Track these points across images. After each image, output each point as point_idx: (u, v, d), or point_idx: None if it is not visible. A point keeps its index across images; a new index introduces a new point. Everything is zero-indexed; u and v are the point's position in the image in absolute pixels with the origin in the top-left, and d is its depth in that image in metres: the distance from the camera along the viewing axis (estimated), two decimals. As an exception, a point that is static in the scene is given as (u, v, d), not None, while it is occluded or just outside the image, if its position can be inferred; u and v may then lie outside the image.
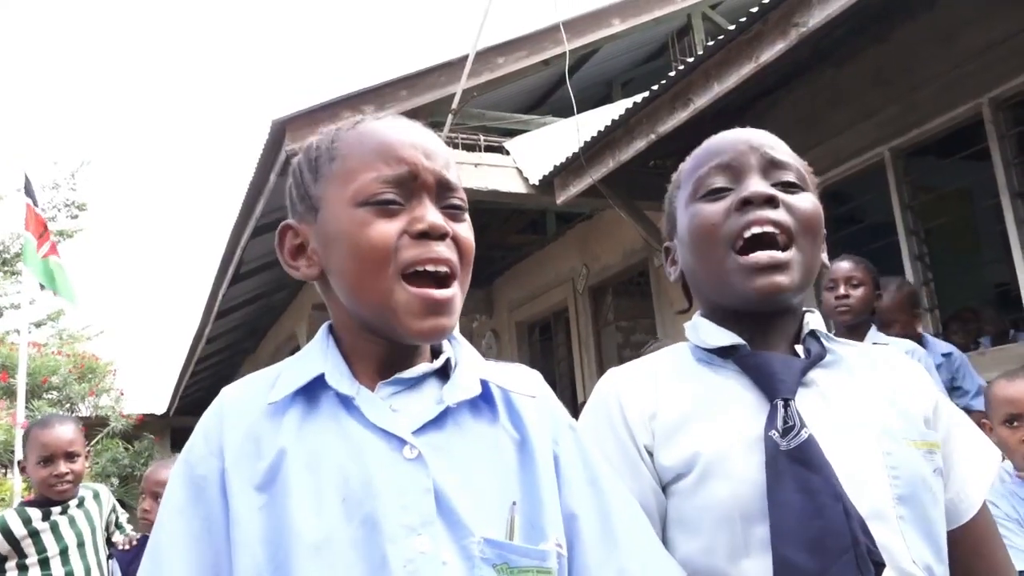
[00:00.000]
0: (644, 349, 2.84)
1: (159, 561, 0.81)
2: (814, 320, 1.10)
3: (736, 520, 0.94)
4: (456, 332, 0.97)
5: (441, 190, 0.91)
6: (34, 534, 2.63)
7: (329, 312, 0.97)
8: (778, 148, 1.09)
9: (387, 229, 0.86)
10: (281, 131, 5.49)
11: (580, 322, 8.55)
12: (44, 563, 2.63)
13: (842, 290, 2.80)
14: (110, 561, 2.72)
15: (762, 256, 1.01)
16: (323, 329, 0.95)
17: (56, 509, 2.69)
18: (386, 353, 0.91)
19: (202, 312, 9.96)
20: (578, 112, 6.01)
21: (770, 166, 1.06)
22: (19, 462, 2.86)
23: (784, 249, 1.02)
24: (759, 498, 0.93)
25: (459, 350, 0.96)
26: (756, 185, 1.04)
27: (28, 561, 2.62)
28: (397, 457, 0.83)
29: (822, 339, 1.07)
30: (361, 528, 0.79)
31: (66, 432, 2.71)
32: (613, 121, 5.24)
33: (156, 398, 15.69)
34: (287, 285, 10.03)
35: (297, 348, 0.98)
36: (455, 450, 0.86)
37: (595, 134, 5.40)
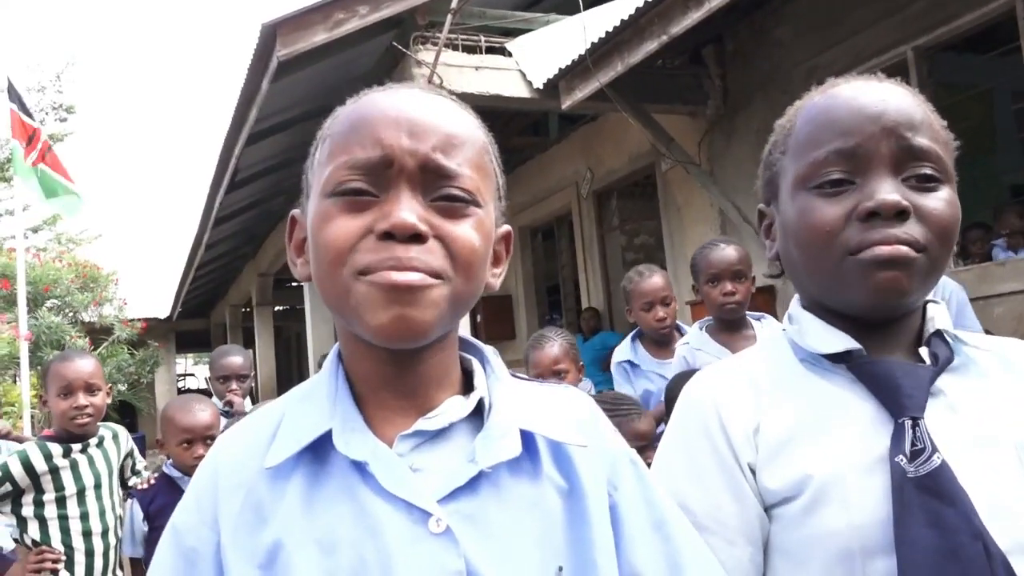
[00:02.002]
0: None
1: None
2: (939, 316, 0.92)
3: (855, 554, 0.81)
4: (490, 353, 0.83)
5: (429, 178, 0.73)
6: (54, 471, 2.60)
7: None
8: (918, 127, 0.86)
9: (347, 227, 0.71)
10: (272, 35, 5.21)
11: (584, 226, 8.43)
12: (61, 501, 2.61)
13: (660, 313, 2.89)
14: (130, 501, 2.70)
15: (886, 251, 0.83)
16: (331, 357, 0.81)
17: (77, 446, 2.65)
18: (391, 373, 0.76)
19: (200, 219, 9.82)
20: (584, 9, 5.69)
21: (905, 156, 0.86)
22: (41, 395, 2.81)
23: (911, 248, 0.84)
24: (881, 530, 0.80)
25: (494, 385, 0.80)
26: (885, 191, 0.84)
27: (45, 498, 2.59)
28: (421, 533, 0.69)
29: (949, 338, 0.91)
30: None
31: (86, 365, 2.67)
32: (622, 21, 4.96)
33: (158, 303, 15.72)
34: (284, 191, 9.86)
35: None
36: (491, 518, 0.73)
37: (603, 35, 5.12)
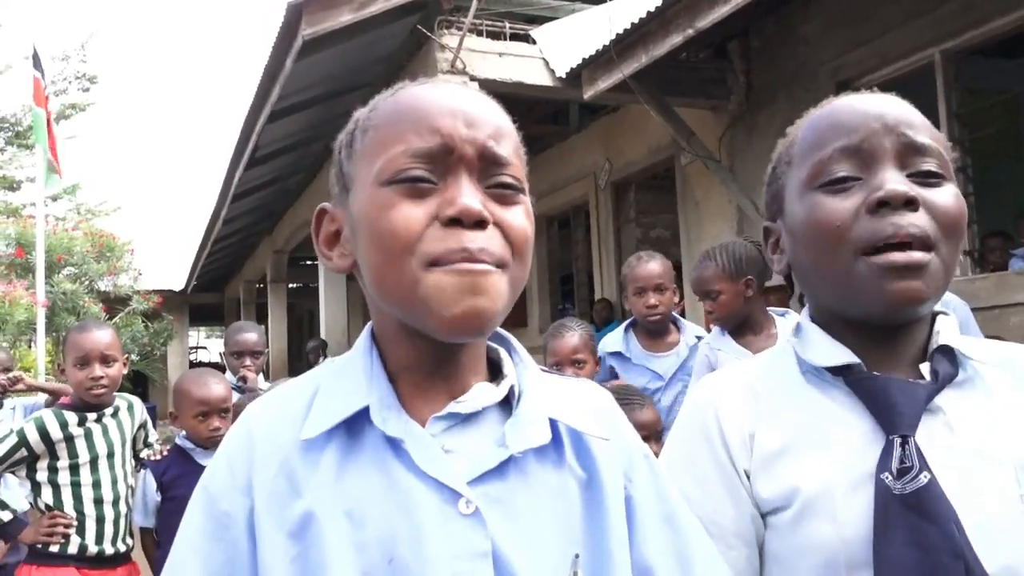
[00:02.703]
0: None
1: None
2: (946, 330, 0.91)
3: (840, 567, 0.82)
4: (519, 347, 0.85)
5: (486, 166, 0.75)
6: (69, 439, 2.63)
7: (370, 312, 0.83)
8: (918, 126, 0.88)
9: (412, 213, 0.72)
10: (297, 13, 5.22)
11: (600, 217, 8.41)
12: (74, 469, 2.64)
13: (652, 299, 2.87)
14: (143, 472, 2.74)
15: (900, 257, 0.83)
16: (365, 336, 0.82)
17: (92, 416, 2.68)
18: (429, 360, 0.78)
19: (218, 194, 9.87)
20: (610, -1, 5.68)
21: (908, 151, 0.86)
22: (59, 364, 2.85)
23: (923, 251, 0.85)
24: (865, 545, 0.81)
25: (523, 373, 0.82)
26: (893, 182, 0.85)
27: (59, 464, 2.63)
28: (451, 512, 0.71)
29: (956, 353, 0.90)
30: None
31: (103, 336, 2.69)
32: (648, 13, 4.93)
33: (173, 275, 15.81)
34: (302, 169, 9.89)
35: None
36: (517, 502, 0.74)
37: (628, 26, 5.10)
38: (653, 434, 2.13)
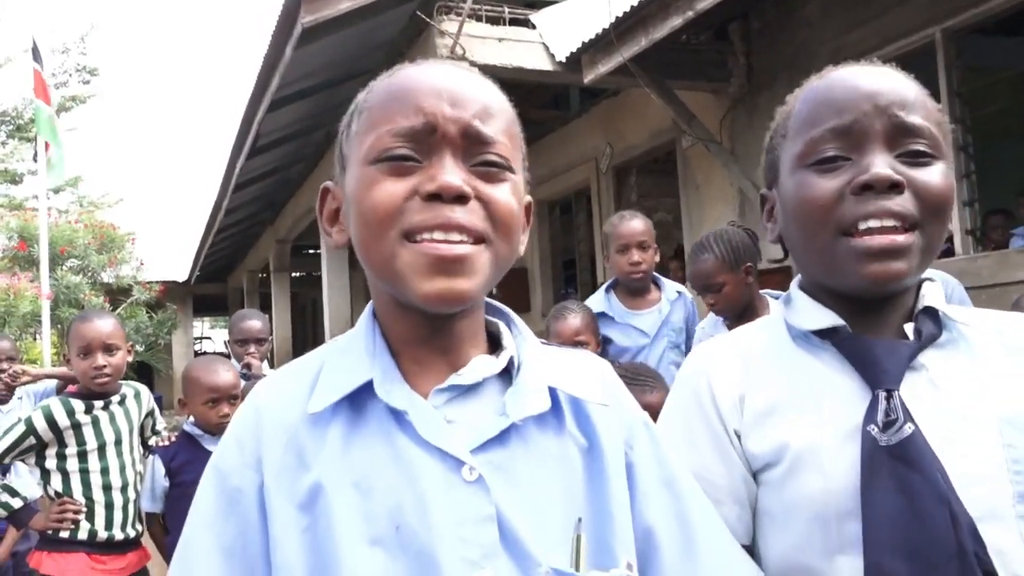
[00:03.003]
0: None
1: (195, 572, 0.76)
2: (931, 293, 0.95)
3: (830, 517, 0.86)
4: (517, 319, 0.87)
5: (470, 144, 0.77)
6: (76, 426, 2.66)
7: (370, 290, 0.86)
8: (911, 105, 0.89)
9: (393, 189, 0.75)
10: (296, 1, 5.20)
11: (602, 202, 8.40)
12: (82, 456, 2.67)
13: (635, 257, 2.86)
14: (152, 458, 2.77)
15: (878, 240, 0.86)
16: (367, 313, 0.85)
17: (99, 403, 2.71)
18: (426, 334, 0.80)
19: (220, 184, 9.87)
20: (609, -18, 5.64)
21: (898, 132, 0.88)
22: (64, 355, 2.88)
23: (905, 232, 0.87)
24: (853, 495, 0.85)
25: (522, 345, 0.84)
26: (879, 165, 0.86)
27: (67, 452, 2.66)
28: (455, 480, 0.74)
29: (941, 315, 0.93)
30: (416, 561, 0.72)
31: (105, 325, 2.71)
32: (647, -5, 4.92)
33: (176, 266, 15.84)
34: (304, 158, 9.88)
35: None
36: (519, 469, 0.77)
37: (627, 9, 5.08)
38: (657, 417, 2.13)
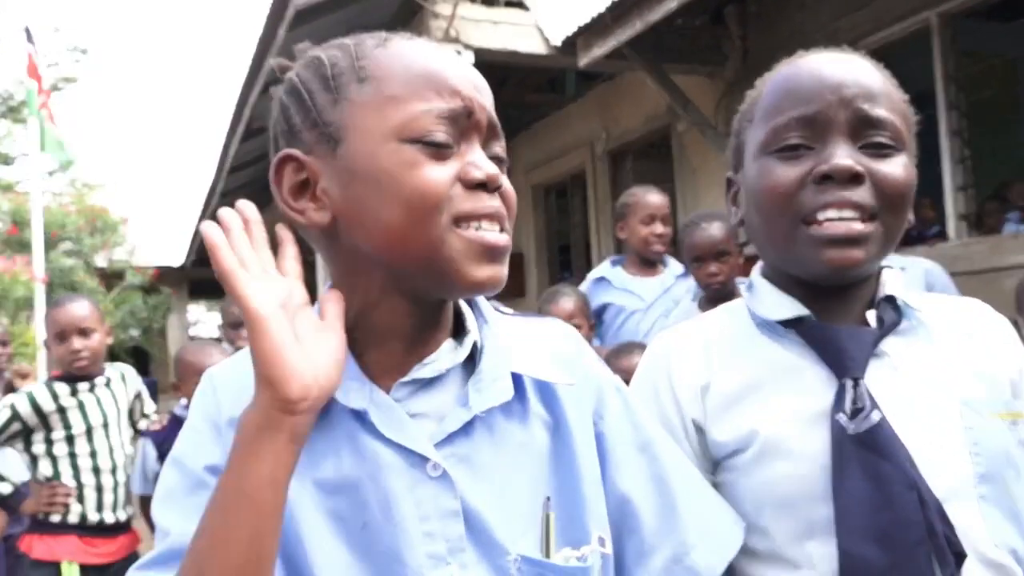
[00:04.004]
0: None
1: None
2: (891, 282, 0.97)
3: (798, 502, 0.88)
4: (481, 300, 0.86)
5: (490, 135, 0.78)
6: (61, 410, 2.67)
7: (333, 268, 0.81)
8: (876, 97, 0.90)
9: (440, 175, 0.73)
10: (289, -18, 5.17)
11: (598, 186, 8.38)
12: (70, 440, 2.68)
13: (660, 229, 2.90)
14: (142, 440, 2.77)
15: (836, 228, 0.88)
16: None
17: (83, 385, 2.71)
18: (407, 323, 0.78)
19: (215, 168, 9.82)
20: (605, -36, 5.60)
21: (861, 124, 0.89)
22: (45, 340, 2.89)
23: (864, 222, 0.88)
24: (823, 479, 0.87)
25: (485, 328, 0.83)
26: (840, 156, 0.87)
27: (54, 436, 2.67)
28: (419, 476, 0.73)
29: (900, 303, 0.95)
30: (383, 559, 0.72)
31: (78, 309, 2.71)
32: (643, -22, 4.88)
33: (172, 250, 15.79)
34: (299, 142, 9.81)
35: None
36: (485, 459, 0.76)
37: (623, -9, 5.05)
38: None
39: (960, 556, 0.82)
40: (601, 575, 0.78)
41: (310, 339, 0.70)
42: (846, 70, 0.91)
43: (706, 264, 2.53)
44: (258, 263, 0.72)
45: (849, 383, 0.88)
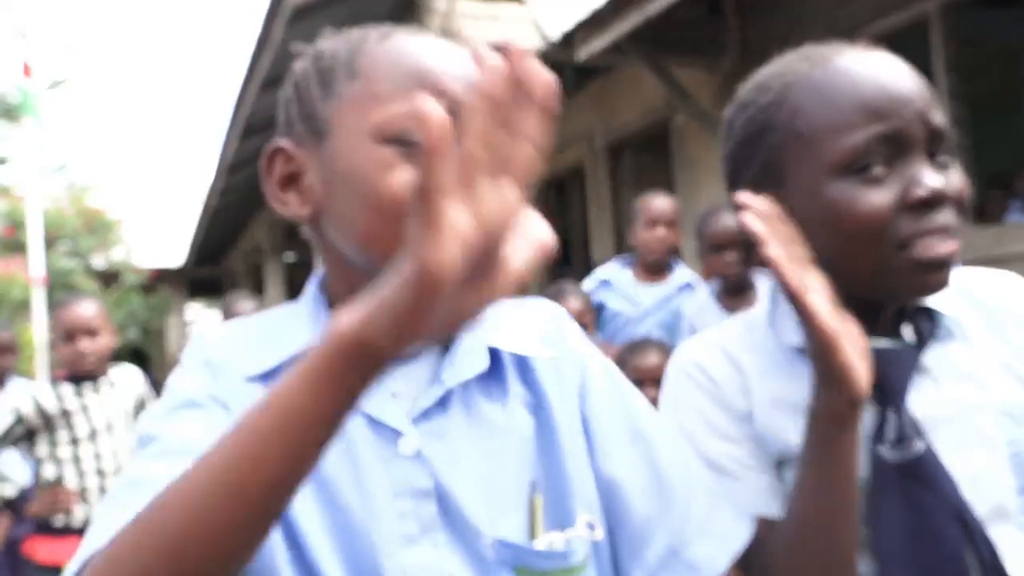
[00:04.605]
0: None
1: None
2: None
3: None
4: None
5: None
6: (66, 413, 2.67)
7: (321, 260, 0.81)
8: (934, 106, 0.84)
9: (411, 179, 0.71)
10: (285, -21, 5.15)
11: (597, 180, 8.37)
12: (75, 442, 2.67)
13: (661, 232, 2.88)
14: None
15: (937, 250, 0.82)
16: (312, 287, 0.81)
17: (88, 385, 2.70)
18: None
19: (216, 167, 9.81)
20: (602, -42, 5.59)
21: (934, 139, 0.84)
22: (50, 341, 2.90)
23: (954, 239, 0.84)
24: (862, 503, 0.83)
25: None
26: (931, 179, 0.82)
27: (59, 438, 2.67)
28: (392, 452, 0.72)
29: (935, 309, 0.90)
30: (354, 539, 0.70)
31: (86, 310, 2.71)
32: (640, -30, 4.86)
33: (171, 250, 15.77)
34: (297, 139, 9.81)
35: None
36: (461, 437, 0.74)
37: (620, -16, 5.03)
38: (653, 379, 2.10)
39: None
40: (592, 564, 0.76)
41: None
42: (907, 77, 0.85)
43: (723, 253, 2.51)
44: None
45: (891, 413, 0.85)
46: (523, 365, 0.80)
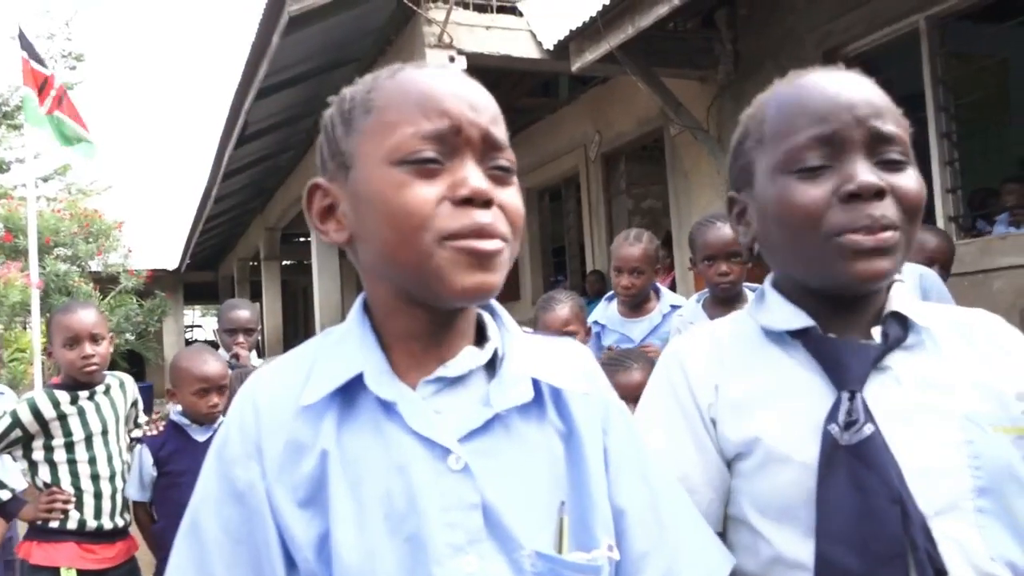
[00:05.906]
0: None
1: (202, 555, 0.78)
2: (899, 298, 0.98)
3: (799, 509, 0.90)
4: (501, 311, 0.90)
5: (487, 148, 0.80)
6: (62, 417, 2.67)
7: (363, 283, 0.88)
8: (884, 113, 0.93)
9: (425, 193, 0.77)
10: (282, -11, 5.19)
11: (591, 189, 8.42)
12: (69, 446, 2.68)
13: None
14: (139, 447, 2.78)
15: (867, 240, 0.90)
16: (358, 308, 0.87)
17: (84, 393, 2.72)
18: (426, 329, 0.83)
19: (209, 172, 9.84)
20: (596, -31, 5.64)
21: (876, 142, 0.92)
22: (45, 347, 2.90)
23: (889, 233, 0.91)
24: (813, 478, 0.89)
25: (506, 336, 0.87)
26: (864, 173, 0.90)
27: (54, 443, 2.67)
28: (442, 468, 0.77)
29: (908, 318, 0.97)
30: (405, 547, 0.75)
31: (89, 316, 2.74)
32: (634, -18, 4.92)
33: (167, 254, 15.79)
34: (293, 146, 9.85)
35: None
36: (503, 456, 0.80)
37: (614, -4, 5.08)
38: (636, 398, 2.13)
39: (940, 573, 0.83)
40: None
41: None
42: (854, 88, 0.94)
43: (717, 263, 2.55)
44: None
45: (845, 395, 0.90)
46: (557, 397, 0.86)
